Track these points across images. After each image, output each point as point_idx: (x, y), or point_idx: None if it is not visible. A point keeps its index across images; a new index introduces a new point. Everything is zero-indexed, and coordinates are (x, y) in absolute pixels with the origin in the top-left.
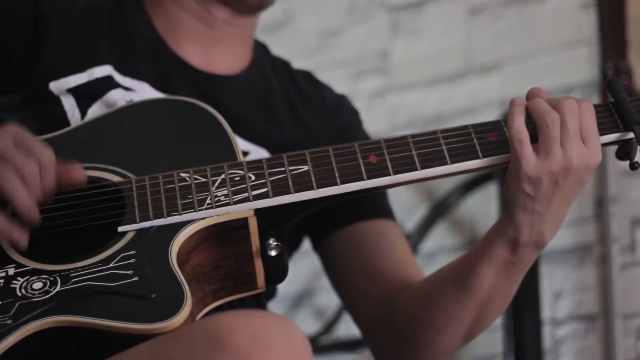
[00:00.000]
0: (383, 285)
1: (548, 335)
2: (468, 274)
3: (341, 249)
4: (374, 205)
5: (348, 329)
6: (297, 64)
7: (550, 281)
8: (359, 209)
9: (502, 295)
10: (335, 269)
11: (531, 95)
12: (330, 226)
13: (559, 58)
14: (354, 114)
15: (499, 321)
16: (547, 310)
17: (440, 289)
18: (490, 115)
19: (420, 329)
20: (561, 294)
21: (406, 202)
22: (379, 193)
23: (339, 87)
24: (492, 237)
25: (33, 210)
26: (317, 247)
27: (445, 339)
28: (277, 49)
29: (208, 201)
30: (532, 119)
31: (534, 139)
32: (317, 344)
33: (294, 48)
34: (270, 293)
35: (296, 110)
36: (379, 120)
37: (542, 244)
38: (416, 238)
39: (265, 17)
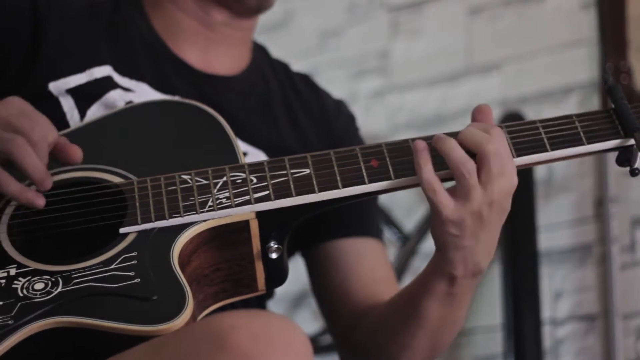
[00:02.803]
0: (354, 306)
1: (548, 335)
2: (413, 308)
3: (322, 263)
4: (361, 223)
5: None
6: (297, 64)
7: (550, 281)
8: (345, 225)
9: (450, 321)
10: (316, 282)
11: (443, 140)
12: (317, 238)
13: (559, 58)
14: (350, 120)
15: (499, 321)
16: (547, 310)
17: (389, 320)
18: None
19: (377, 355)
20: (561, 294)
21: (406, 202)
22: (370, 210)
23: (339, 87)
24: (430, 273)
25: (47, 179)
26: (304, 255)
27: None
28: (277, 49)
29: (210, 203)
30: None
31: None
32: (317, 344)
33: (294, 48)
34: (270, 293)
35: (294, 113)
36: (379, 120)
37: (479, 272)
38: (416, 238)
39: (265, 17)
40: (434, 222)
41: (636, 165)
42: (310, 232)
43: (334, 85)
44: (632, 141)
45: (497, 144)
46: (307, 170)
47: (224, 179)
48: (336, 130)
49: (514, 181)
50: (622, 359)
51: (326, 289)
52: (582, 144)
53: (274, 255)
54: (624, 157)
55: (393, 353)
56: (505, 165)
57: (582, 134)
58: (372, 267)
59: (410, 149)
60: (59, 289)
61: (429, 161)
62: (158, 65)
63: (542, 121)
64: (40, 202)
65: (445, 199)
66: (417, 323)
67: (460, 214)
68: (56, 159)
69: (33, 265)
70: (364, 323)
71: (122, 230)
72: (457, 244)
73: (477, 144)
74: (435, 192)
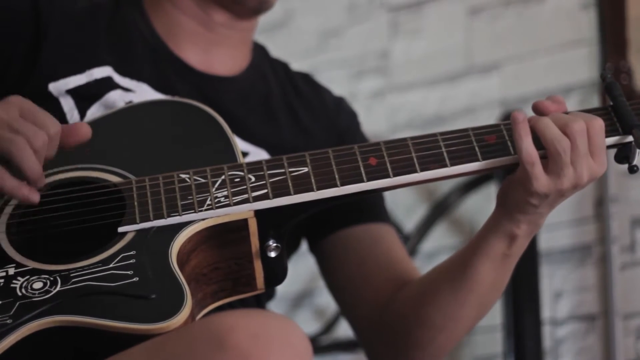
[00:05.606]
0: (377, 289)
1: (548, 335)
2: (465, 272)
3: (336, 252)
4: (370, 209)
5: (348, 329)
6: (297, 64)
7: (550, 281)
8: (355, 213)
9: (499, 286)
10: (330, 272)
11: (537, 110)
12: (327, 228)
13: (559, 58)
14: (352, 117)
15: (498, 321)
16: (547, 310)
17: (436, 288)
18: (490, 115)
19: (418, 330)
20: (561, 294)
21: (406, 202)
22: (376, 197)
23: (339, 87)
24: (488, 233)
25: (41, 179)
26: (313, 249)
27: (443, 338)
28: (277, 49)
29: (208, 202)
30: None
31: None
32: (317, 344)
33: (294, 48)
34: (270, 293)
35: (295, 112)
36: (378, 120)
37: (535, 231)
38: (416, 238)
39: (265, 17)
40: (517, 189)
41: (635, 162)
42: (321, 223)
43: (334, 85)
44: (630, 138)
45: (582, 126)
46: (306, 169)
47: (222, 177)
48: (339, 127)
49: (604, 168)
50: (622, 359)
51: (343, 277)
52: None
53: (272, 254)
54: (623, 154)
55: (436, 326)
56: (595, 148)
57: None
58: (389, 249)
59: (408, 148)
60: (58, 288)
61: (529, 133)
62: (158, 65)
63: None
64: (36, 197)
65: (540, 173)
66: (469, 287)
67: (549, 189)
68: (66, 145)
69: (32, 264)
70: (395, 303)
71: (120, 229)
72: (531, 210)
73: (563, 125)
74: (534, 165)
